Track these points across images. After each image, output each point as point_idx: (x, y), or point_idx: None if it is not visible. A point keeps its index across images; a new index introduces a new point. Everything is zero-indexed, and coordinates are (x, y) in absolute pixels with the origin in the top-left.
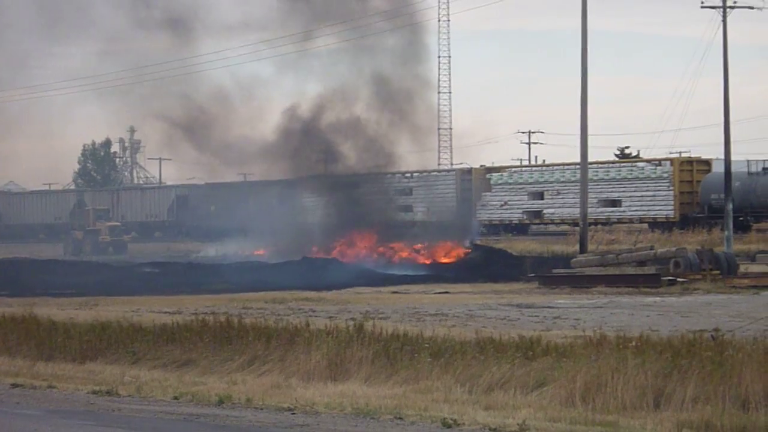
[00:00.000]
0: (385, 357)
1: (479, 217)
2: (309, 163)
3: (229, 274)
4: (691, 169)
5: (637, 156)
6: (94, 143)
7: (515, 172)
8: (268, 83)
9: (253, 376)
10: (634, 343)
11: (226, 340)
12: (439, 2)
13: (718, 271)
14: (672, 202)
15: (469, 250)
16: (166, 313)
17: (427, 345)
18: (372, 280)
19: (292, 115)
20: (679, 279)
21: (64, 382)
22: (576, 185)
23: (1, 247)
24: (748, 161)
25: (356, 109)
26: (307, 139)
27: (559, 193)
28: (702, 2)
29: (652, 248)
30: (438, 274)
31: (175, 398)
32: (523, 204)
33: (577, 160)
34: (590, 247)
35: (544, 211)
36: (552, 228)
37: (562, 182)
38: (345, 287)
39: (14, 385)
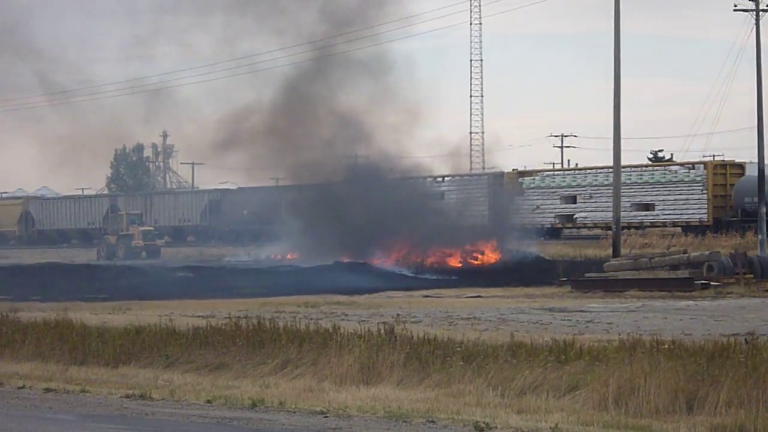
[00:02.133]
0: (417, 361)
1: (511, 221)
2: (341, 166)
3: (261, 278)
4: (724, 172)
5: (670, 159)
6: (125, 148)
7: (547, 175)
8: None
9: (285, 380)
10: (667, 347)
11: (258, 344)
12: (471, 6)
13: (751, 275)
14: (705, 206)
15: (502, 254)
16: (199, 317)
17: (459, 349)
18: (404, 284)
19: (327, 119)
20: (712, 283)
21: (97, 387)
22: (609, 189)
23: (34, 252)
24: None
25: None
26: (340, 143)
27: (591, 197)
28: (735, 5)
29: (685, 252)
30: (470, 278)
31: (208, 402)
32: (555, 208)
33: (610, 163)
34: (623, 251)
35: (577, 215)
36: (584, 232)
37: (595, 186)
38: (377, 291)
39: (47, 390)
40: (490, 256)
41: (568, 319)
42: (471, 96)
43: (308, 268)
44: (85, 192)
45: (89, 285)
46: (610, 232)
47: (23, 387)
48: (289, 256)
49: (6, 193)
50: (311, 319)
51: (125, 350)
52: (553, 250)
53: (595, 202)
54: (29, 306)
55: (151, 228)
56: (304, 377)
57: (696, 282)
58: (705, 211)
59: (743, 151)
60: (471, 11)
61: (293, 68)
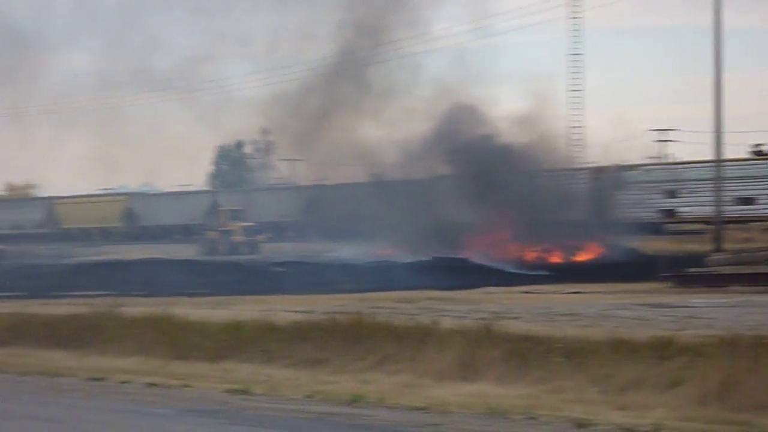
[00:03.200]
0: (517, 357)
1: (612, 217)
2: (445, 161)
3: (359, 273)
4: None
5: None
6: (227, 144)
7: (648, 170)
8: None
9: (384, 375)
10: None
11: (357, 340)
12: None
13: None
14: None
15: (602, 250)
16: (298, 312)
17: (559, 345)
18: (503, 280)
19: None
20: None
21: (198, 381)
22: (710, 183)
23: (137, 247)
24: None
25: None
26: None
27: (692, 192)
28: None
29: None
30: (570, 274)
31: (308, 397)
32: (656, 202)
33: (711, 157)
34: (725, 245)
35: (678, 210)
36: (685, 227)
37: (696, 180)
38: (475, 287)
39: (150, 384)
40: (590, 251)
41: (670, 315)
42: (570, 90)
43: (405, 264)
44: (187, 188)
45: (191, 280)
46: (711, 226)
47: (126, 382)
48: (386, 252)
49: (109, 189)
50: (409, 314)
51: (226, 345)
52: (654, 245)
53: (696, 196)
54: (132, 301)
55: (252, 223)
56: (402, 373)
57: None
58: None
59: None
60: (570, 5)
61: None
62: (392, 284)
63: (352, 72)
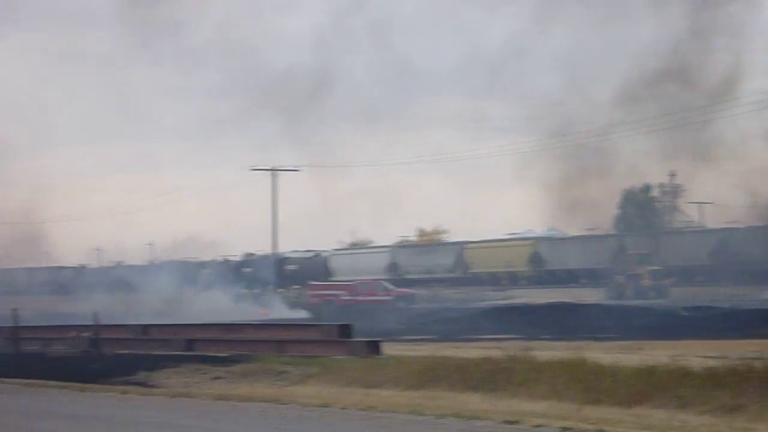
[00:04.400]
0: None
1: None
2: None
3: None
4: None
5: None
6: (633, 188)
7: None
8: None
9: None
10: None
11: None
12: None
13: None
14: None
15: None
16: (709, 357)
17: None
18: None
19: None
20: None
21: (612, 426)
22: None
23: (544, 291)
24: None
25: None
26: None
27: None
28: None
29: None
30: None
31: None
32: None
33: None
34: None
35: None
36: None
37: None
38: None
39: (564, 429)
40: None
41: None
42: None
43: None
44: (593, 232)
45: (599, 324)
46: None
47: (540, 425)
48: None
49: (516, 233)
50: None
51: (638, 390)
52: None
53: None
54: (541, 345)
55: (659, 267)
56: None
57: None
58: None
59: None
60: None
61: None
62: None
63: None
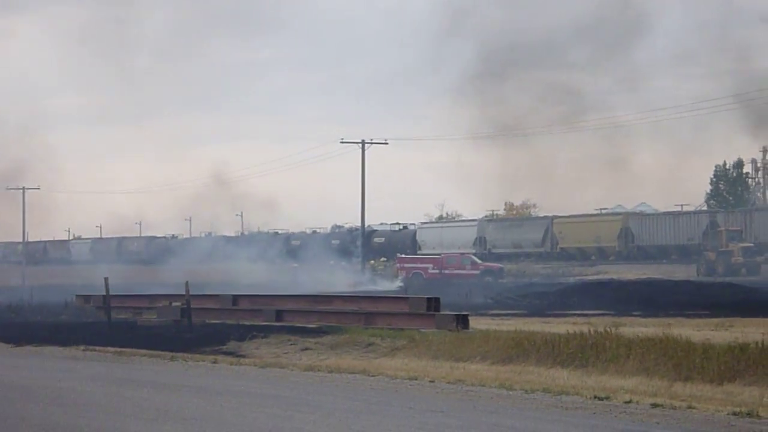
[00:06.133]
0: None
1: None
2: None
3: None
4: None
5: None
6: (725, 164)
7: None
8: None
9: None
10: None
11: None
12: None
13: None
14: None
15: None
16: None
17: None
18: None
19: None
20: None
21: (702, 403)
22: None
23: (633, 267)
24: None
25: None
26: None
27: None
28: None
29: None
30: None
31: None
32: None
33: None
34: None
35: None
36: None
37: None
38: None
39: (654, 405)
40: None
41: None
42: None
43: None
44: (684, 208)
45: (689, 301)
46: None
47: (630, 402)
48: None
49: (606, 208)
50: None
51: (729, 367)
52: None
53: None
54: (631, 321)
55: (751, 244)
56: None
57: None
58: None
59: None
60: None
61: None
62: None
63: None
